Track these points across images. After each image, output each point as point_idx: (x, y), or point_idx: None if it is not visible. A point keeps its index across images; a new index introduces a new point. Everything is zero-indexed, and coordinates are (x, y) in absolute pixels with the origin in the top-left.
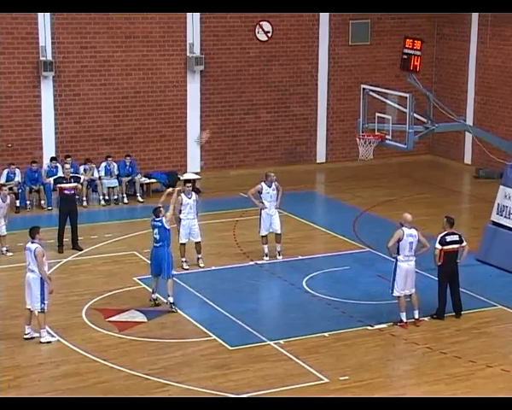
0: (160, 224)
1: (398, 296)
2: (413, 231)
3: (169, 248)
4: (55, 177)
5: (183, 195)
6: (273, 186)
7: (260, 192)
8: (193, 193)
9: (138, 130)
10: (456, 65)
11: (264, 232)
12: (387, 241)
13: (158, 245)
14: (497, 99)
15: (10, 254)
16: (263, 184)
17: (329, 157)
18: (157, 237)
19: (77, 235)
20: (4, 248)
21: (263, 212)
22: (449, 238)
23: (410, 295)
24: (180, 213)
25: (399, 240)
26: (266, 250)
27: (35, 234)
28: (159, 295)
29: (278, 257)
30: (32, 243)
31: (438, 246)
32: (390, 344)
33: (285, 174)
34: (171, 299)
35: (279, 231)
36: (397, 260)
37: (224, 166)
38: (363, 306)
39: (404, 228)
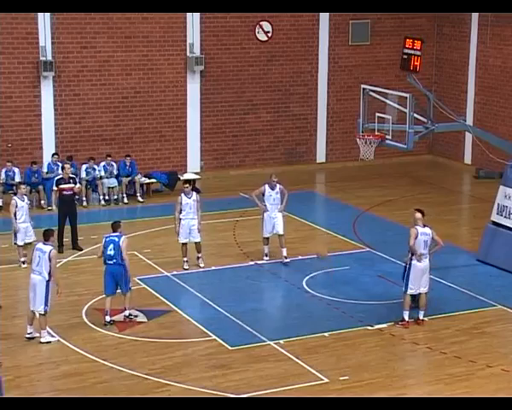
0: (117, 240)
1: (405, 295)
2: (427, 230)
3: (123, 262)
4: (57, 178)
5: (182, 195)
6: (277, 189)
7: (263, 194)
8: (193, 193)
9: (138, 130)
10: (456, 65)
11: (266, 234)
12: (408, 242)
13: (112, 262)
14: (497, 99)
15: (25, 266)
16: (266, 186)
17: (329, 157)
18: (111, 253)
19: (77, 235)
20: (22, 259)
21: (265, 214)
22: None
23: (420, 294)
24: (180, 212)
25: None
26: (266, 251)
27: (50, 236)
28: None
29: (285, 260)
30: (46, 244)
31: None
32: (390, 344)
33: (285, 174)
34: (126, 312)
35: (281, 232)
36: (411, 259)
37: (223, 166)
38: (363, 306)
39: (417, 227)
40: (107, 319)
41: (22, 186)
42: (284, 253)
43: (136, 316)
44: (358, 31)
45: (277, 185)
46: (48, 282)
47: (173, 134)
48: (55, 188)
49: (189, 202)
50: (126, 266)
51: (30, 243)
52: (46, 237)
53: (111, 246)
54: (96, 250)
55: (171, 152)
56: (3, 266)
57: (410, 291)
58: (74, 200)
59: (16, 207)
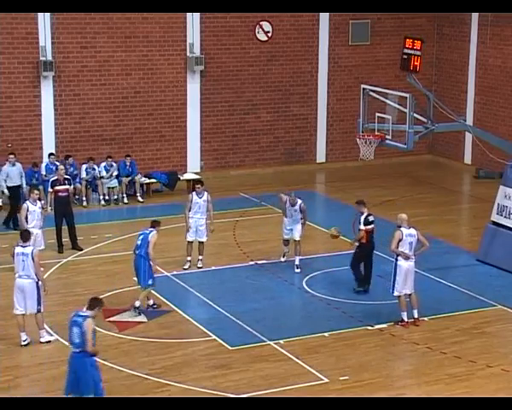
0: (147, 232)
1: (399, 296)
2: (412, 231)
3: (147, 256)
4: (51, 180)
5: (194, 193)
6: (296, 207)
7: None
8: (205, 193)
9: (138, 130)
10: (456, 65)
11: (283, 236)
12: (389, 245)
13: (137, 252)
14: (497, 99)
15: None
16: (288, 198)
17: (329, 157)
18: (138, 243)
19: (75, 235)
20: None
21: (284, 218)
22: (370, 218)
23: (410, 294)
24: (190, 211)
25: (399, 240)
26: (285, 250)
27: (28, 237)
28: (154, 293)
29: (296, 270)
30: (25, 246)
31: (362, 227)
32: (390, 344)
33: (285, 174)
34: (137, 303)
35: (296, 238)
36: (397, 260)
37: (224, 166)
38: (363, 306)
39: (402, 228)
40: (149, 302)
41: (35, 191)
42: (297, 261)
43: (140, 314)
44: (358, 31)
45: (298, 201)
46: (37, 283)
47: (173, 134)
48: (50, 190)
49: (199, 201)
50: (149, 261)
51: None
52: (24, 238)
53: (140, 237)
54: (96, 250)
55: (171, 152)
56: (3, 266)
57: (396, 293)
58: (69, 201)
59: (28, 211)
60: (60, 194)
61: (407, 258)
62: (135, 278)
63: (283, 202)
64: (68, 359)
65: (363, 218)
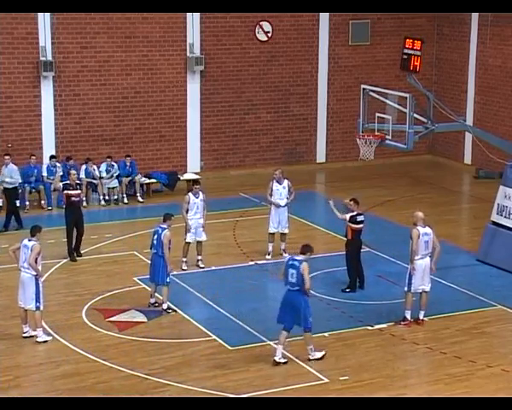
0: (160, 231)
1: (407, 293)
2: (427, 230)
3: (163, 254)
4: (64, 183)
5: (190, 194)
6: (284, 184)
7: (271, 189)
8: (200, 192)
9: (138, 130)
10: (456, 65)
11: (270, 230)
12: (410, 246)
13: (154, 252)
14: (497, 99)
15: None
16: (274, 177)
17: (329, 157)
18: (155, 242)
19: (79, 245)
20: None
21: (271, 208)
22: (359, 218)
23: (421, 293)
24: (187, 212)
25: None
26: (270, 249)
27: (36, 232)
28: (158, 296)
29: (284, 255)
30: (30, 240)
31: (347, 220)
32: (390, 344)
33: (285, 174)
34: (164, 306)
35: (285, 231)
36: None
37: (224, 166)
38: (363, 306)
39: (418, 227)
40: (151, 300)
41: None
42: (283, 246)
43: (174, 311)
44: (358, 31)
45: (284, 180)
46: (37, 278)
47: (173, 134)
48: (63, 192)
49: (196, 201)
50: (166, 260)
51: None
52: (33, 232)
53: (155, 236)
54: (96, 250)
55: (171, 152)
56: (3, 266)
57: (412, 290)
58: (80, 206)
59: None
60: (72, 199)
61: (422, 256)
62: (134, 278)
63: (269, 187)
64: (284, 295)
65: (350, 215)
